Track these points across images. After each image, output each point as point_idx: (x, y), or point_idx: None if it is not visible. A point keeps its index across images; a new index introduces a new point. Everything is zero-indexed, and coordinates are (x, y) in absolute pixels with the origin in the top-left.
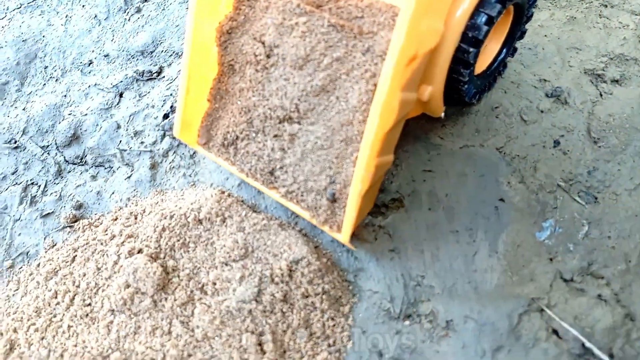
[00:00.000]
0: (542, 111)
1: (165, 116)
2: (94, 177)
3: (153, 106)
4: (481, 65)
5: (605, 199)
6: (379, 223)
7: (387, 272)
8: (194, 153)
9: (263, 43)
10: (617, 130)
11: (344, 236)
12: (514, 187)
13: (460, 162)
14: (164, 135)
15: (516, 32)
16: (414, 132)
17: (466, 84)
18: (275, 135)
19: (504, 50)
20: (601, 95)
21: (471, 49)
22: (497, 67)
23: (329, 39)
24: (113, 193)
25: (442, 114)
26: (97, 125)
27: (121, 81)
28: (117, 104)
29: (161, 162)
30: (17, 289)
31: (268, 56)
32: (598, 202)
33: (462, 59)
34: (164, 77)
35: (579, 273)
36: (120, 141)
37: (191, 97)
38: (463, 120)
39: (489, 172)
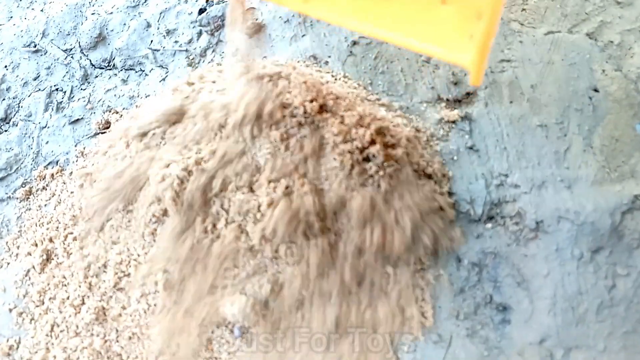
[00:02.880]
0: None
1: (201, 11)
2: (124, 81)
3: (186, 1)
4: None
5: None
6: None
7: (465, 172)
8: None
9: None
10: None
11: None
12: (610, 76)
13: (546, 49)
14: (200, 33)
15: None
16: None
17: None
18: None
19: None
20: None
21: None
22: None
23: None
24: (147, 97)
25: None
26: (125, 24)
27: None
28: (145, 1)
29: (199, 62)
30: (49, 199)
31: None
32: None
33: None
34: None
35: None
36: (152, 41)
37: None
38: (545, 4)
39: (581, 60)
